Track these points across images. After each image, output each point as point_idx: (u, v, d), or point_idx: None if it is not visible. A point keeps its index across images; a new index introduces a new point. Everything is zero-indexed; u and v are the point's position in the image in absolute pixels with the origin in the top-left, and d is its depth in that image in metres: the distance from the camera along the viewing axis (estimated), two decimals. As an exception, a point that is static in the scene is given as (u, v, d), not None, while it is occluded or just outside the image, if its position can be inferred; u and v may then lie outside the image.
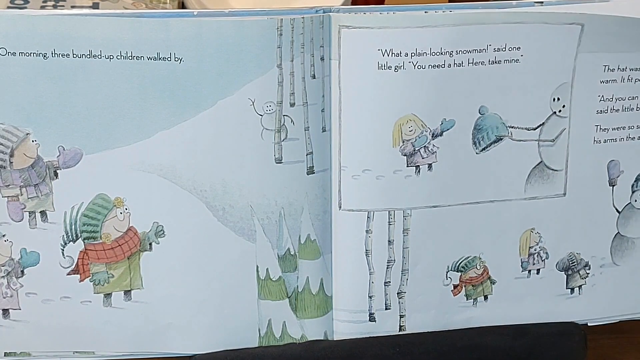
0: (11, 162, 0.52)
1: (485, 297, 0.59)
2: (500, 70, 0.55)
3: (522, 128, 0.56)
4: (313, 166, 0.54)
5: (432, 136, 0.55)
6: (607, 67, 0.56)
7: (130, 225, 0.54)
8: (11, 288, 0.54)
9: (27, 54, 0.50)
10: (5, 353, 0.55)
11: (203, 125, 0.52)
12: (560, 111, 0.56)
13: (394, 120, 0.54)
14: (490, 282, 0.59)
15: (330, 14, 0.52)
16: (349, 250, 0.56)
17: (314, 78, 0.53)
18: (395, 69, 0.52)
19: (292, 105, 0.53)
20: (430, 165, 0.55)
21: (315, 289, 0.56)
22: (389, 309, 0.57)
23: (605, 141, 0.57)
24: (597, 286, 0.61)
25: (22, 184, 0.52)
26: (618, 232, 0.60)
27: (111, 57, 0.50)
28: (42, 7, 0.60)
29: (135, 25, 0.50)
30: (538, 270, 0.59)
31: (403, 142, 0.54)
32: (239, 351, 0.56)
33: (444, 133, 0.55)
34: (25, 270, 0.53)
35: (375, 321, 0.57)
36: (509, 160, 0.57)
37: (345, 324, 0.57)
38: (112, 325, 0.55)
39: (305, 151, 0.54)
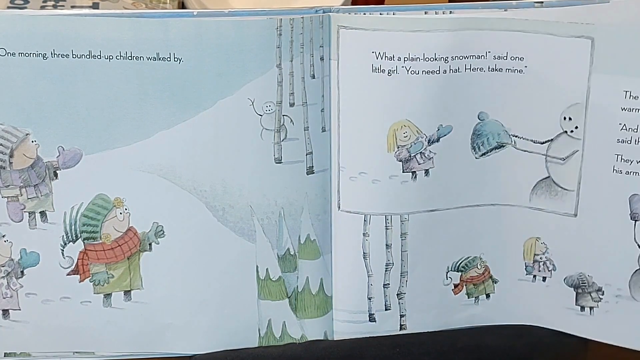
0: (11, 163, 0.52)
1: (488, 296, 0.59)
2: (502, 78, 0.53)
3: (528, 139, 0.55)
4: (313, 166, 0.54)
5: (428, 142, 0.54)
6: (628, 93, 0.52)
7: (130, 225, 0.54)
8: (11, 288, 0.54)
9: (27, 55, 0.50)
10: (5, 353, 0.55)
11: (203, 125, 0.52)
12: (572, 131, 0.54)
13: (388, 125, 0.54)
14: (492, 281, 0.59)
15: (330, 14, 0.52)
16: (347, 252, 0.56)
17: (314, 78, 0.53)
18: (388, 72, 0.52)
19: (292, 105, 0.53)
20: (427, 171, 0.55)
21: (315, 289, 0.56)
22: (389, 309, 0.57)
23: (628, 173, 0.54)
24: (611, 314, 0.57)
25: (21, 184, 0.52)
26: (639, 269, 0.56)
27: (111, 57, 0.50)
28: (42, 7, 0.60)
29: (135, 25, 0.50)
30: (544, 278, 0.58)
31: (398, 147, 0.54)
32: (239, 351, 0.56)
33: (440, 139, 0.54)
34: (25, 271, 0.53)
35: (375, 321, 0.57)
36: (512, 168, 0.56)
37: (345, 324, 0.57)
38: (112, 325, 0.55)
39: (305, 151, 0.54)
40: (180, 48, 0.50)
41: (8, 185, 0.52)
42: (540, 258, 0.57)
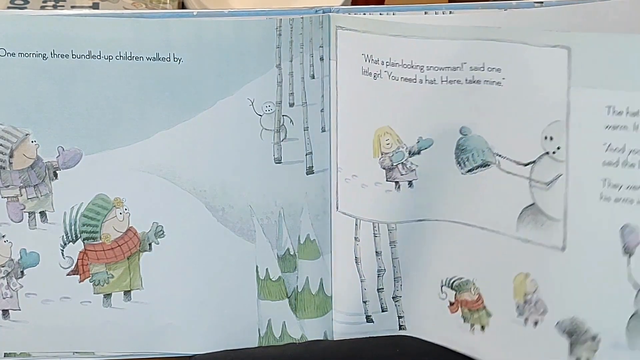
0: (11, 163, 0.52)
1: (482, 328, 0.54)
2: (480, 90, 0.50)
3: (512, 160, 0.50)
4: (312, 166, 0.54)
5: (409, 153, 0.53)
6: (611, 108, 0.46)
7: (130, 225, 0.54)
8: (11, 289, 0.54)
9: (27, 55, 0.50)
10: (5, 354, 0.55)
11: (202, 125, 0.52)
12: (555, 153, 0.48)
13: (373, 130, 0.53)
14: (487, 314, 0.54)
15: (330, 14, 0.52)
16: (342, 254, 0.56)
17: (313, 78, 0.53)
18: (374, 76, 0.52)
19: (292, 105, 0.53)
20: (410, 182, 0.53)
21: (315, 289, 0.56)
22: (386, 311, 0.57)
23: (617, 200, 0.47)
24: None
25: (21, 184, 0.52)
26: (638, 312, 0.47)
27: (110, 57, 0.50)
28: (42, 7, 0.60)
29: (135, 25, 0.50)
30: (535, 322, 0.51)
31: (382, 154, 0.53)
32: (238, 351, 0.56)
33: (421, 152, 0.52)
34: (25, 271, 0.53)
35: (373, 322, 0.57)
36: (499, 191, 0.51)
37: (344, 325, 0.57)
38: (112, 325, 0.55)
39: (305, 151, 0.54)
40: (180, 48, 0.50)
41: (8, 186, 0.52)
42: (531, 298, 0.51)
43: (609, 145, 0.47)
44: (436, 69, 0.51)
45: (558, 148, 0.48)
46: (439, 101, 0.51)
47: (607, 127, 0.46)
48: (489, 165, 0.51)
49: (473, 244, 0.53)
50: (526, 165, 0.49)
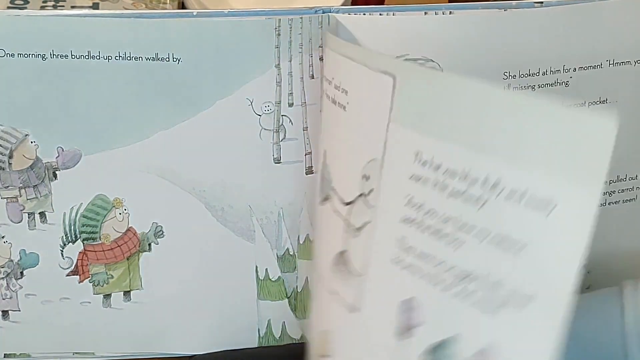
0: (10, 164, 0.52)
1: None
2: (332, 112, 0.44)
3: (339, 196, 0.43)
4: (312, 166, 0.54)
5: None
6: (419, 155, 0.38)
7: (130, 225, 0.54)
8: (10, 289, 0.54)
9: (26, 55, 0.50)
10: (5, 354, 0.55)
11: (202, 125, 0.52)
12: (368, 195, 0.41)
13: None
14: None
15: (329, 14, 0.52)
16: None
17: (313, 78, 0.53)
18: None
19: (291, 105, 0.53)
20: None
21: (315, 289, 0.56)
22: None
23: (405, 266, 0.38)
24: None
25: (21, 185, 0.52)
26: None
27: (110, 57, 0.50)
28: (42, 7, 0.60)
29: (134, 25, 0.50)
30: None
31: None
32: (238, 351, 0.56)
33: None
34: (24, 272, 0.53)
35: None
36: (328, 230, 0.44)
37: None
38: (111, 326, 0.55)
39: (304, 151, 0.54)
40: (179, 48, 0.50)
41: (7, 186, 0.52)
42: None
43: (410, 199, 0.38)
44: (325, 80, 0.47)
45: (371, 190, 0.41)
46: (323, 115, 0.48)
47: (411, 176, 0.38)
48: (328, 198, 0.45)
49: (315, 289, 0.47)
50: (347, 204, 0.43)
